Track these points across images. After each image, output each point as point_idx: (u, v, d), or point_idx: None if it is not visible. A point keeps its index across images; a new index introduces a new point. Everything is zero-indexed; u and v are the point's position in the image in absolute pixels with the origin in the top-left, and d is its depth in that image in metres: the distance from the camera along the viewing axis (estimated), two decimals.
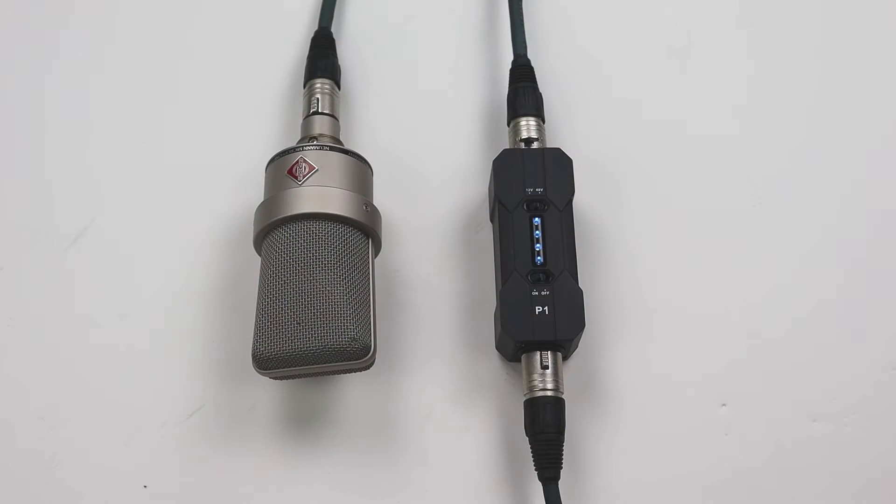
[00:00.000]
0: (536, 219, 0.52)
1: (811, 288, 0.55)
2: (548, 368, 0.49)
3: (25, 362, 0.54)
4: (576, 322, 0.50)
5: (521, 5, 0.61)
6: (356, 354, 0.47)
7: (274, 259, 0.49)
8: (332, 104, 0.57)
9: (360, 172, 0.53)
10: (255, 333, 0.48)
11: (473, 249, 0.56)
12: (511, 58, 0.59)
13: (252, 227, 0.52)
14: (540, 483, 0.48)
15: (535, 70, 0.58)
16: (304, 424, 0.52)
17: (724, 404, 0.52)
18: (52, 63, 0.62)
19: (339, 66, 0.59)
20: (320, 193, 0.50)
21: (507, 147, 0.55)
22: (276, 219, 0.50)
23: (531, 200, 0.52)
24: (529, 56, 0.59)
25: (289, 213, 0.50)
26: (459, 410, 0.52)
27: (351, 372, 0.49)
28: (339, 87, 0.58)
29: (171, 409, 0.52)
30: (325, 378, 0.52)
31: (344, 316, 0.47)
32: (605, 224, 0.57)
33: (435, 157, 0.59)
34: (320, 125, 0.55)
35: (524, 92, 0.56)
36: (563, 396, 0.49)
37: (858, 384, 0.53)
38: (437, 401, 0.52)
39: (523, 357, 0.50)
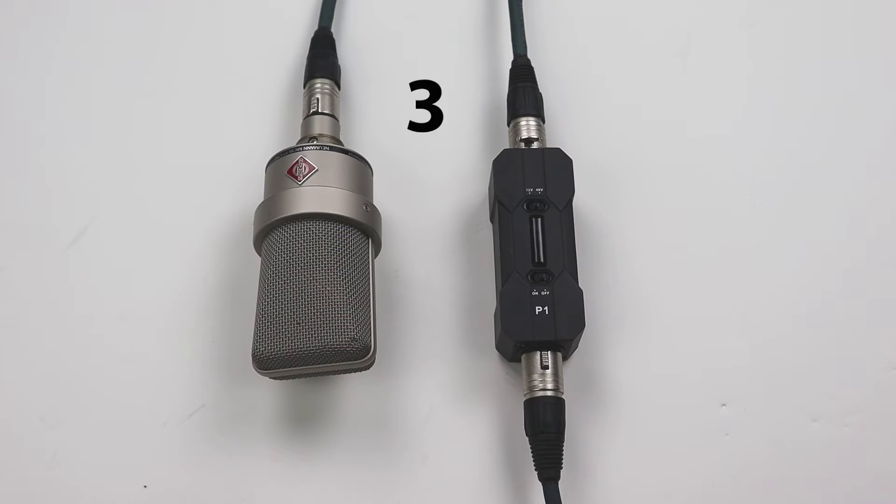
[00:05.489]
0: (536, 219, 0.52)
1: (811, 288, 0.55)
2: (548, 368, 0.49)
3: (25, 362, 0.54)
4: (576, 322, 0.50)
5: (521, 5, 0.61)
6: (356, 354, 0.47)
7: (274, 259, 0.49)
8: (332, 104, 0.57)
9: (360, 172, 0.53)
10: (255, 333, 0.48)
11: (473, 249, 0.56)
12: (511, 58, 0.59)
13: (252, 227, 0.52)
14: (540, 483, 0.48)
15: (535, 70, 0.58)
16: (304, 424, 0.52)
17: (724, 404, 0.52)
18: (51, 63, 0.62)
19: (339, 66, 0.59)
20: (320, 193, 0.50)
21: (507, 147, 0.55)
22: (276, 219, 0.50)
23: (531, 200, 0.52)
24: (529, 56, 0.59)
25: (289, 213, 0.50)
26: (459, 410, 0.52)
27: (351, 372, 0.49)
28: (339, 87, 0.58)
29: (171, 409, 0.52)
30: (325, 378, 0.52)
31: (344, 316, 0.47)
32: (605, 224, 0.57)
33: (435, 157, 0.59)
34: (320, 125, 0.55)
35: (524, 92, 0.56)
36: (563, 396, 0.49)
37: (858, 384, 0.53)
38: (437, 401, 0.52)
39: (523, 357, 0.50)
